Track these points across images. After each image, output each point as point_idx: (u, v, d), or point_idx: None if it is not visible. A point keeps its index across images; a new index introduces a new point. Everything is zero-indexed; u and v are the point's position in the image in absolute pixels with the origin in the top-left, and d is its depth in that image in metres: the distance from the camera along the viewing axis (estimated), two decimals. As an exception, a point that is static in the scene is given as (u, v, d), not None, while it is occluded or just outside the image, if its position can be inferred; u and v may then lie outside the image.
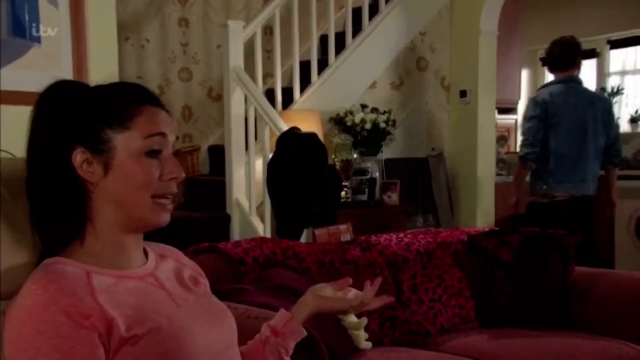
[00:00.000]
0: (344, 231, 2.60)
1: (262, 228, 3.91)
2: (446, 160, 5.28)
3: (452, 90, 5.39)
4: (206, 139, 5.04)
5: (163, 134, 1.09)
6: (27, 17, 3.23)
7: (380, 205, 4.39)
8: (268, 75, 4.94)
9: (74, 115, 1.06)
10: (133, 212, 1.08)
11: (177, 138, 1.24)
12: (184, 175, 1.12)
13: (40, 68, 3.23)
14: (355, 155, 4.34)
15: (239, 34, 4.24)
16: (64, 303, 0.95)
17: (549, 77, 4.24)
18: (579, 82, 3.95)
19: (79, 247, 1.06)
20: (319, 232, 2.62)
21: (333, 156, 4.24)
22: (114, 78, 3.15)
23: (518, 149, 3.87)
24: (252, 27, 4.34)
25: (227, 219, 4.11)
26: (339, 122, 4.57)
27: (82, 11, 3.31)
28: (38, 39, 3.23)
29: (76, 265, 1.03)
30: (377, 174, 4.57)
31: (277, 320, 1.33)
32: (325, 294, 1.40)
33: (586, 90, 4.04)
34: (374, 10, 5.02)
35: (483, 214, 5.20)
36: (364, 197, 4.34)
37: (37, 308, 0.95)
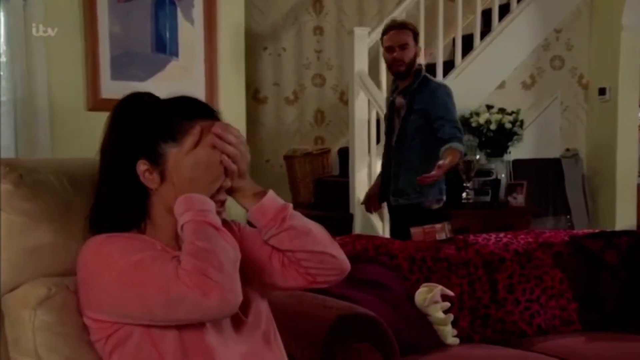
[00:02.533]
0: (440, 230, 2.68)
1: (381, 227, 4.05)
2: (582, 161, 5.11)
3: (591, 88, 5.21)
4: (337, 141, 5.26)
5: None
6: (167, 34, 3.63)
7: (505, 206, 4.37)
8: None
9: (137, 131, 1.25)
10: None
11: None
12: (229, 183, 1.27)
13: (177, 79, 3.61)
14: (477, 157, 4.35)
15: (364, 40, 4.42)
16: (119, 234, 1.22)
17: None
18: None
19: (135, 232, 1.27)
20: (414, 230, 2.73)
21: (455, 157, 4.28)
22: (242, 86, 3.45)
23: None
24: (377, 32, 4.49)
25: (350, 218, 4.30)
26: (464, 123, 4.60)
27: (214, 27, 3.66)
28: (176, 53, 3.62)
29: None
30: (503, 175, 4.54)
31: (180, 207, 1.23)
32: None
33: None
34: (504, 10, 4.99)
35: (623, 217, 4.98)
36: (487, 198, 4.34)
37: (95, 243, 1.21)
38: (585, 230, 2.96)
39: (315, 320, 1.98)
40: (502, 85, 4.94)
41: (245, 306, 1.31)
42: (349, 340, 1.92)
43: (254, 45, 5.22)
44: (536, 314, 2.60)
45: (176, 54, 3.60)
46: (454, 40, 5.04)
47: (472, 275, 2.58)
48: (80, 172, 1.35)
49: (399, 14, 4.63)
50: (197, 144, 1.23)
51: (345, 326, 1.94)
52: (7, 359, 1.21)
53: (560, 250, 2.74)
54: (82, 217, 1.27)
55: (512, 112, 4.62)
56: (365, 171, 4.27)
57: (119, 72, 3.48)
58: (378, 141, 4.27)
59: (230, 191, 1.29)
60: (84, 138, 3.43)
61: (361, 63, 4.40)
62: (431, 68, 4.82)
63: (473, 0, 4.93)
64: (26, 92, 3.27)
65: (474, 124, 4.56)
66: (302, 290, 1.43)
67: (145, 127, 1.25)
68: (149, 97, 1.32)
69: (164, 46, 3.59)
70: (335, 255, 1.35)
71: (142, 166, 1.24)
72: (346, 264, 1.38)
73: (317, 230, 1.35)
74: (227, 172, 1.25)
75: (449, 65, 4.82)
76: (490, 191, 4.36)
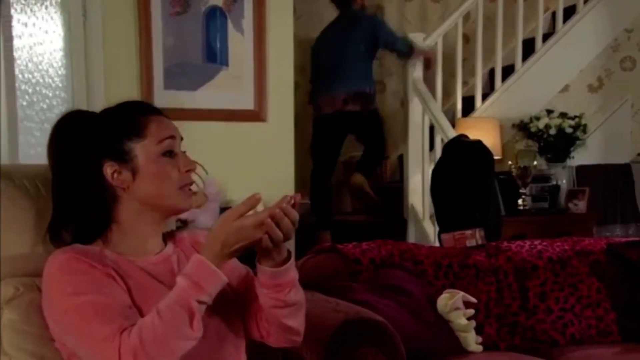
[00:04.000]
0: (470, 237, 2.65)
1: (433, 232, 4.01)
2: (655, 166, 4.87)
3: (665, 90, 4.98)
4: (398, 148, 5.24)
5: (172, 137, 1.33)
6: (218, 45, 3.75)
7: (565, 213, 4.24)
8: (464, 83, 5.02)
9: (98, 136, 1.30)
10: (163, 202, 1.31)
11: (182, 138, 1.44)
12: (196, 166, 1.34)
13: (227, 88, 3.72)
14: (535, 163, 4.24)
15: (418, 45, 4.40)
16: (78, 254, 1.23)
17: None
18: (351, 10, 4.43)
19: (100, 242, 1.32)
20: (445, 236, 2.71)
21: (509, 162, 4.20)
22: (290, 94, 3.52)
23: None
24: (432, 38, 4.47)
25: (404, 223, 4.29)
26: (522, 127, 4.51)
27: (264, 37, 3.74)
28: (226, 62, 3.73)
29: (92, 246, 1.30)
30: (564, 181, 4.41)
31: (190, 268, 1.20)
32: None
33: (353, 12, 4.44)
34: (570, 12, 4.85)
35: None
36: (545, 205, 4.22)
37: (57, 262, 1.23)
38: (625, 239, 2.84)
39: (323, 323, 2.00)
40: (565, 89, 4.80)
41: (208, 314, 1.31)
42: (355, 344, 1.93)
43: (315, 53, 5.29)
44: (570, 324, 2.52)
45: (226, 64, 3.71)
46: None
47: (501, 282, 2.53)
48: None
49: (456, 18, 4.59)
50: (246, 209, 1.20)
51: (350, 330, 1.95)
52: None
53: (598, 259, 2.64)
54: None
55: (575, 117, 4.48)
56: (419, 177, 4.24)
57: (171, 82, 3.62)
58: (431, 148, 4.24)
59: (258, 246, 1.23)
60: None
61: (416, 70, 4.39)
62: (491, 73, 4.76)
63: (536, 2, 4.82)
64: (84, 103, 3.45)
65: (533, 129, 4.46)
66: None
67: (106, 129, 1.31)
68: (87, 112, 1.39)
69: (215, 56, 3.70)
70: (300, 332, 1.40)
71: (109, 169, 1.29)
72: (301, 339, 1.42)
73: (302, 307, 1.38)
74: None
75: (509, 70, 4.73)
76: (548, 197, 4.25)
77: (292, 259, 1.30)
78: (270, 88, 3.70)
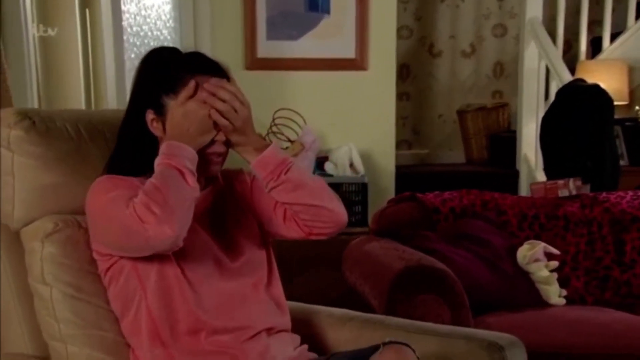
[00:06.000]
0: (562, 186, 2.48)
1: (545, 184, 3.81)
2: None
3: None
4: (517, 95, 4.98)
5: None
6: (320, -7, 3.72)
7: None
8: (594, 22, 4.67)
9: (145, 84, 1.36)
10: None
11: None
12: (224, 137, 1.33)
13: (328, 36, 3.69)
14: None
15: (539, -16, 4.13)
16: (116, 176, 1.33)
17: None
18: None
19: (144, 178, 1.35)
20: (535, 186, 2.56)
21: (637, 108, 3.87)
22: (392, 41, 3.43)
23: None
24: (553, -24, 4.17)
25: (516, 174, 4.11)
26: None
27: (366, -18, 3.66)
28: (328, 10, 3.70)
29: None
30: None
31: (159, 154, 1.31)
32: None
33: None
34: None
35: None
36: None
37: (99, 180, 1.33)
38: None
39: (387, 270, 2.00)
40: None
41: (236, 254, 1.40)
42: (414, 291, 1.90)
43: (431, -3, 5.13)
44: (672, 281, 2.32)
45: (328, 12, 3.67)
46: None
47: (594, 235, 2.38)
48: (99, 122, 1.50)
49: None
50: (191, 97, 1.30)
51: (410, 277, 1.93)
52: (26, 284, 1.41)
53: None
54: (95, 163, 1.42)
55: None
56: (533, 126, 4.02)
57: (273, 32, 3.65)
58: (546, 97, 3.99)
59: (232, 145, 1.36)
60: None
61: (534, 9, 4.13)
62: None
63: None
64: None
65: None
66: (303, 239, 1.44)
67: (150, 80, 1.36)
68: (167, 52, 1.41)
69: (317, 4, 3.68)
70: (331, 208, 1.38)
71: (149, 115, 1.35)
72: (342, 218, 1.40)
73: (315, 184, 1.39)
74: (219, 126, 1.31)
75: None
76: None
77: (275, 144, 1.37)
78: (372, 36, 3.63)
